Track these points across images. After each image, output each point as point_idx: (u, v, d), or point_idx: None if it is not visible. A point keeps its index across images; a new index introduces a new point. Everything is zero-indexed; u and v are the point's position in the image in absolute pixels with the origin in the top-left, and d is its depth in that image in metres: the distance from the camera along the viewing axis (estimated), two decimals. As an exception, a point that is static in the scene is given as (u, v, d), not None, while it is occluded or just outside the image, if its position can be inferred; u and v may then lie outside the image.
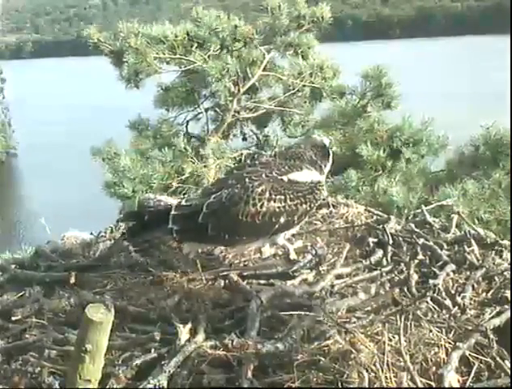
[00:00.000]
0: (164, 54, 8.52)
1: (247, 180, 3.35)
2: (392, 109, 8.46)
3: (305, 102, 8.96)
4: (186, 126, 9.32)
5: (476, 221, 6.25)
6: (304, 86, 8.71)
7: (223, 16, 8.66)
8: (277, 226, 3.36)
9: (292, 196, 3.36)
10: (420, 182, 7.53)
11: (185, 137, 8.65)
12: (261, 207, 3.29)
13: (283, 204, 3.33)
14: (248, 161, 3.63)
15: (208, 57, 8.44)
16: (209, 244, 3.52)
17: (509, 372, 2.61)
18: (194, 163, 8.04)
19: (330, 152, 3.70)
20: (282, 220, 3.34)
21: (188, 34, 8.56)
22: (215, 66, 8.13)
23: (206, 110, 9.20)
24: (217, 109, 9.06)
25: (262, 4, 8.70)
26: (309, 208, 3.45)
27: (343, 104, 8.45)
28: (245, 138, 9.42)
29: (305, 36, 8.75)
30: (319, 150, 3.63)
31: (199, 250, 3.59)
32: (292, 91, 8.75)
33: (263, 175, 3.37)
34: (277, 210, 3.32)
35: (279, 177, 3.38)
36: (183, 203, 3.47)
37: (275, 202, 3.31)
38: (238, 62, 8.38)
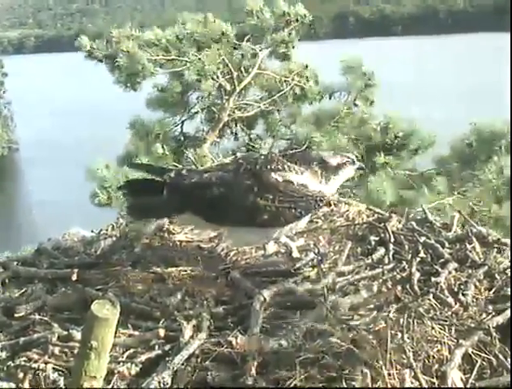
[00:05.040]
0: (158, 56, 8.55)
1: (241, 169, 3.31)
2: (373, 97, 8.57)
3: (293, 102, 8.93)
4: (181, 127, 9.35)
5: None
6: (295, 85, 8.69)
7: (200, 18, 8.65)
8: (258, 221, 3.27)
9: (281, 198, 3.25)
10: (411, 181, 7.60)
11: (167, 141, 8.69)
12: (244, 200, 3.24)
13: (269, 203, 3.24)
14: (257, 155, 3.56)
15: (205, 56, 8.42)
16: (196, 215, 3.39)
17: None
18: (177, 166, 8.02)
19: (344, 169, 3.54)
20: (265, 216, 3.25)
21: (177, 37, 8.58)
22: (194, 68, 8.14)
23: (203, 110, 9.20)
24: (213, 107, 9.05)
25: (246, 8, 8.67)
26: (298, 215, 3.32)
27: (331, 103, 8.57)
28: (236, 139, 9.40)
29: (291, 34, 8.75)
30: (328, 164, 3.46)
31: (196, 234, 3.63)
32: (285, 90, 8.71)
33: (259, 170, 3.30)
34: (260, 207, 3.24)
35: (275, 176, 3.28)
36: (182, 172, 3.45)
37: (261, 199, 3.24)
38: (229, 61, 8.37)
